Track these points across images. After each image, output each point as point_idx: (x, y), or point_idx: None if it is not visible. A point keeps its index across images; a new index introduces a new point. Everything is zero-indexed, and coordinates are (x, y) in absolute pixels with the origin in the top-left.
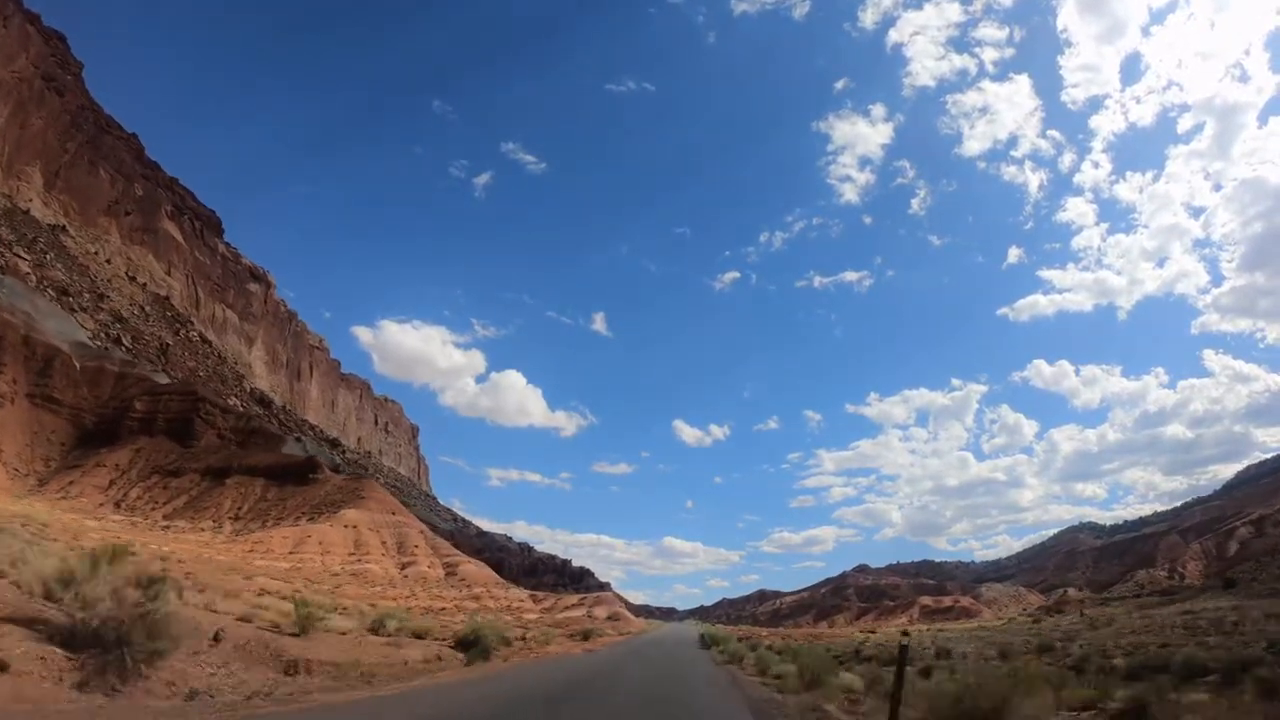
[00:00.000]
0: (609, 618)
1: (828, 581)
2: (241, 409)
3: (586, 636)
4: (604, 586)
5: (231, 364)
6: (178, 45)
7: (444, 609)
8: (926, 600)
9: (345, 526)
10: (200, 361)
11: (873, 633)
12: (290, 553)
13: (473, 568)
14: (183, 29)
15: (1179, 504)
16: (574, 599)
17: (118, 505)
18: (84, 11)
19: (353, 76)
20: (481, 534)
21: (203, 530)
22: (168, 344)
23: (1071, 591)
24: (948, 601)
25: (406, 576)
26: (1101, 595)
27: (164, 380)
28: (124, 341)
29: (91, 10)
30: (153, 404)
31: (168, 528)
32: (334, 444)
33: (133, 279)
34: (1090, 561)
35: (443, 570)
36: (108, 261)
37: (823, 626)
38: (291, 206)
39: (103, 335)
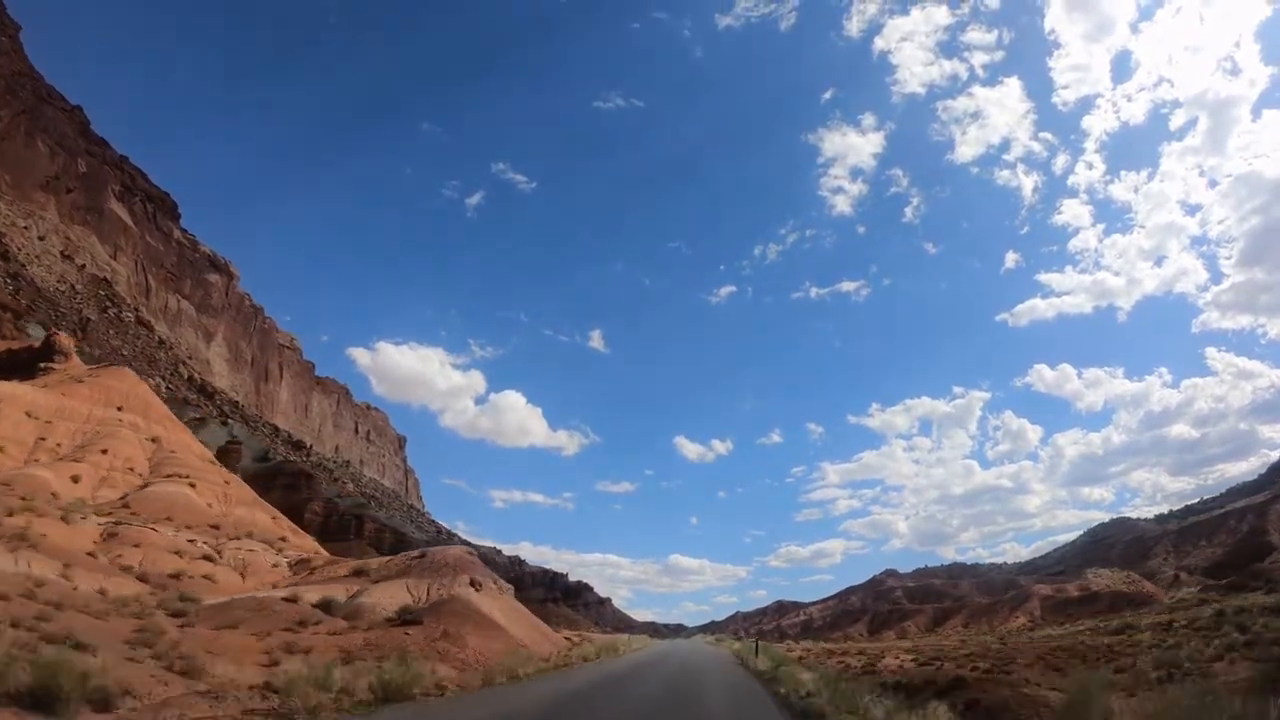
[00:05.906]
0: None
1: (853, 590)
2: (173, 389)
3: None
4: (603, 602)
5: (183, 355)
6: (151, 49)
7: None
8: (1044, 589)
9: None
10: (127, 341)
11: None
12: None
13: (182, 491)
14: (160, 31)
15: (1222, 492)
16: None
17: None
18: None
19: (342, 96)
20: (465, 546)
21: None
22: (89, 319)
23: (1183, 575)
24: (1072, 591)
25: (9, 485)
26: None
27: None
28: None
29: None
30: None
31: None
32: (298, 446)
33: (69, 259)
34: (1170, 546)
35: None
36: (40, 238)
37: (888, 637)
38: (282, 229)
39: None
